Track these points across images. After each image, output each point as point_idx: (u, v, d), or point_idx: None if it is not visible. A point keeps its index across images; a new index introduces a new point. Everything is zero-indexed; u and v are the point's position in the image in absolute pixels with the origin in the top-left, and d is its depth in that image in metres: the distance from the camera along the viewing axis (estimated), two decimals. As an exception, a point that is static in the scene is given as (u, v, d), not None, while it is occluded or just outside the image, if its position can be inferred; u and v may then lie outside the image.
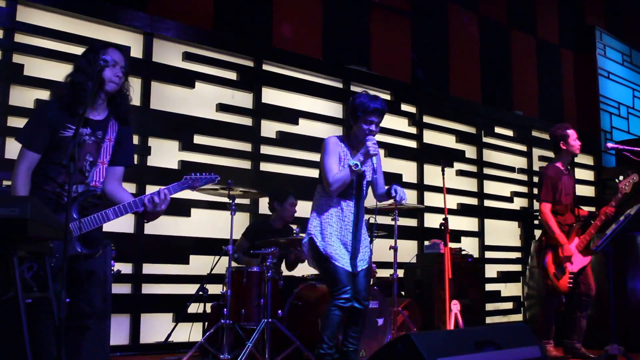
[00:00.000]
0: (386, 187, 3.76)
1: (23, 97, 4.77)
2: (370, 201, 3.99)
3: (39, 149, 2.81)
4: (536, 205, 7.68)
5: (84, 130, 2.86)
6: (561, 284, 4.83)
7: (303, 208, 5.33)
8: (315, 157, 6.21)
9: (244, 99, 5.99)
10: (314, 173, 5.98)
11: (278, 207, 5.27)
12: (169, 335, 4.87)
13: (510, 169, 8.30)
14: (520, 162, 8.47)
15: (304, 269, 5.23)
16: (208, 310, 4.91)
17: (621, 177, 4.89)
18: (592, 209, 5.09)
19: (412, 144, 7.28)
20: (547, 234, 4.94)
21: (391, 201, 3.75)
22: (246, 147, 5.92)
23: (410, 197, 7.00)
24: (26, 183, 2.77)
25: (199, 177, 3.02)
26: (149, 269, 5.25)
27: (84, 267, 2.78)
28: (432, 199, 7.17)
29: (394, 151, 6.91)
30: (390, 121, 6.73)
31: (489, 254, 7.83)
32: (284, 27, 6.49)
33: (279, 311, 4.53)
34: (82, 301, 2.80)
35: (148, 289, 5.23)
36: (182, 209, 5.38)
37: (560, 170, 5.08)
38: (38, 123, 2.85)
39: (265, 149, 6.02)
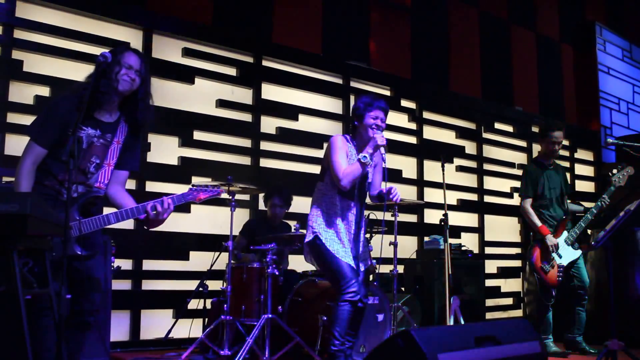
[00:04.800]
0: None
1: (22, 93, 4.76)
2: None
3: (47, 144, 2.78)
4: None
5: (93, 132, 2.85)
6: (550, 278, 4.84)
7: (303, 204, 5.33)
8: (315, 152, 6.23)
9: (243, 95, 5.98)
10: (313, 169, 6.01)
11: (266, 206, 5.31)
12: (169, 331, 4.87)
13: (510, 165, 8.30)
14: (520, 157, 8.46)
15: (304, 265, 5.23)
16: (208, 306, 4.91)
17: (614, 170, 4.90)
18: (592, 204, 5.08)
19: (412, 139, 7.27)
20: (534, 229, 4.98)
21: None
22: (246, 143, 5.91)
23: (410, 193, 7.01)
24: (30, 177, 2.75)
25: (203, 190, 3.02)
26: (149, 265, 5.25)
27: (83, 266, 2.78)
28: (432, 195, 7.17)
29: (393, 147, 6.90)
30: (390, 117, 6.58)
31: (488, 250, 7.83)
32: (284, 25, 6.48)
33: (279, 307, 4.54)
34: (82, 298, 2.80)
35: (148, 285, 5.23)
36: (182, 205, 5.36)
37: (542, 165, 5.10)
38: (50, 118, 2.82)
39: (265, 145, 6.01)
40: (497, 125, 8.27)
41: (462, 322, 5.07)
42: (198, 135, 5.60)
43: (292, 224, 5.21)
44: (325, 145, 4.09)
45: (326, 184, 3.70)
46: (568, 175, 8.85)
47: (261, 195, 5.64)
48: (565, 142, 9.04)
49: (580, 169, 9.26)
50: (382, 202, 3.83)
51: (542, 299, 4.88)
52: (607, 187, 4.87)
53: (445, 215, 5.12)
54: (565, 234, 4.91)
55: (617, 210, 4.19)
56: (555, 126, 5.05)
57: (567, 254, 4.87)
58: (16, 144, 4.50)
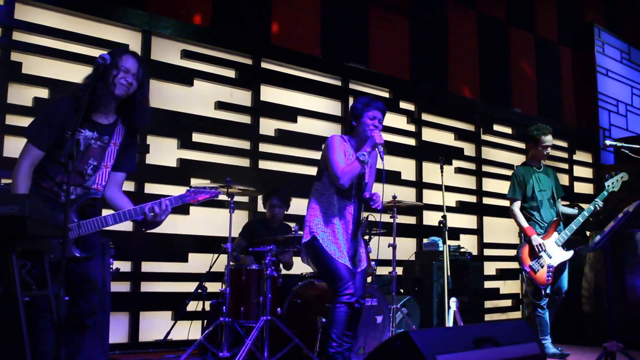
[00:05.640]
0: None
1: (21, 95, 4.76)
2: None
3: (44, 146, 2.78)
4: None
5: (90, 134, 2.85)
6: (539, 277, 4.85)
7: (302, 205, 5.32)
8: (314, 154, 6.23)
9: (242, 97, 5.99)
10: (312, 171, 5.99)
11: (265, 207, 5.31)
12: (168, 333, 4.87)
13: (509, 167, 8.30)
14: (519, 159, 8.45)
15: (302, 267, 5.23)
16: (207, 308, 4.91)
17: (608, 176, 4.95)
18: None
19: (411, 141, 7.28)
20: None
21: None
22: (245, 145, 5.91)
23: (409, 195, 7.01)
24: (27, 179, 2.74)
25: (201, 191, 3.02)
26: (147, 267, 5.25)
27: (81, 268, 2.77)
28: (431, 197, 7.17)
29: (392, 149, 6.91)
30: (389, 119, 6.66)
31: (487, 252, 7.84)
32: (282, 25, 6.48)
33: (278, 309, 4.53)
34: (81, 300, 2.79)
35: (147, 287, 5.23)
36: (180, 207, 5.35)
37: (531, 168, 5.15)
38: (47, 120, 2.82)
39: (263, 147, 6.01)
40: (496, 127, 8.28)
41: (461, 324, 5.06)
42: (197, 137, 5.60)
43: (292, 225, 5.21)
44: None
45: (323, 184, 3.71)
46: (567, 177, 8.93)
47: (260, 197, 5.64)
48: (564, 144, 9.07)
49: (578, 171, 9.27)
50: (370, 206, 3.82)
51: (532, 299, 4.90)
52: (601, 192, 4.93)
53: (444, 217, 5.12)
54: (555, 235, 4.93)
55: (616, 212, 4.20)
56: (546, 130, 5.13)
57: (557, 255, 4.89)
58: (15, 146, 4.49)
